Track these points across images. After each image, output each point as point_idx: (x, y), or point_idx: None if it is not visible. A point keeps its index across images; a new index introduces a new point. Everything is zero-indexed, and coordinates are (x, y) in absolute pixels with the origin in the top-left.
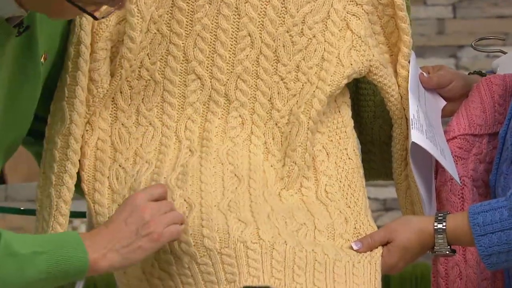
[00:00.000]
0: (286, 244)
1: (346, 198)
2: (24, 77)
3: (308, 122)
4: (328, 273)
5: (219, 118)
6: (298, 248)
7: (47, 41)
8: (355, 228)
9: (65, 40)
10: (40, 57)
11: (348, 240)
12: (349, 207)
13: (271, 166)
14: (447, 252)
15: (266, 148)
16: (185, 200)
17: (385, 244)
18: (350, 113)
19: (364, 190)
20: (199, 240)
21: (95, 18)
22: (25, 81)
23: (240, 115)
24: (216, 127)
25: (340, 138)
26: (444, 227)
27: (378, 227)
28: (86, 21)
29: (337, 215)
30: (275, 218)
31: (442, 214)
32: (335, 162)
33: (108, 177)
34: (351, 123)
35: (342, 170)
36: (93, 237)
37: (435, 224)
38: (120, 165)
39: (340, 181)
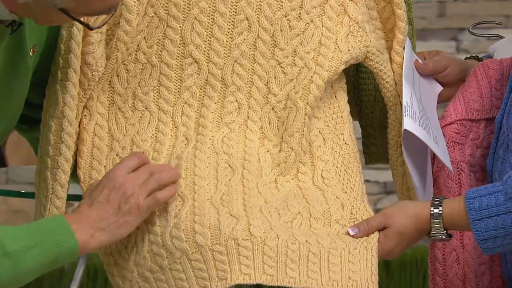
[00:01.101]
0: (278, 238)
1: (343, 184)
2: (14, 74)
3: (306, 108)
4: (323, 263)
5: (215, 103)
6: (291, 241)
7: (36, 34)
8: (351, 213)
9: (54, 28)
10: (29, 52)
11: (345, 225)
12: (346, 192)
13: (268, 151)
14: (444, 237)
15: (263, 133)
16: (178, 195)
17: (381, 229)
18: (346, 98)
19: (360, 176)
20: (191, 236)
21: (90, 29)
22: (15, 77)
23: (236, 100)
24: (212, 112)
25: (336, 123)
26: (440, 212)
27: (378, 210)
28: None
29: (333, 200)
30: (267, 212)
31: (438, 199)
32: (332, 147)
33: (104, 166)
34: (347, 108)
35: (339, 155)
36: (78, 219)
37: (431, 209)
38: (117, 154)
39: (337, 167)
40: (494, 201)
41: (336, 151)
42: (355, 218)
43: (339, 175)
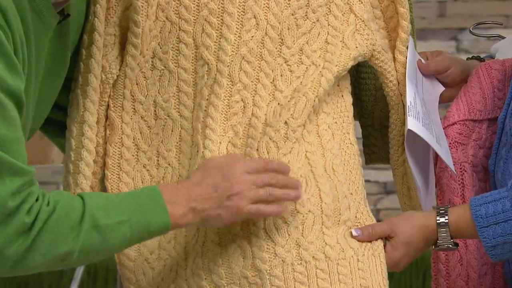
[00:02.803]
0: (284, 262)
1: (349, 184)
2: (53, 67)
3: (315, 100)
4: (333, 276)
5: (221, 100)
6: (297, 262)
7: (73, 34)
8: (356, 217)
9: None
10: (70, 49)
11: (350, 227)
12: (351, 194)
13: (270, 139)
14: (450, 246)
15: (265, 123)
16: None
17: (386, 239)
18: (351, 99)
19: (362, 180)
20: (209, 276)
21: None
22: (54, 71)
23: (242, 99)
24: (219, 112)
25: (343, 122)
26: (447, 221)
27: (378, 210)
28: (100, 9)
29: (342, 199)
30: (270, 228)
31: (443, 208)
32: (340, 144)
33: (133, 179)
34: (351, 109)
35: (345, 153)
36: (177, 192)
37: (437, 218)
38: (144, 166)
39: (344, 164)
40: (501, 207)
41: (343, 149)
42: (359, 222)
43: (346, 174)
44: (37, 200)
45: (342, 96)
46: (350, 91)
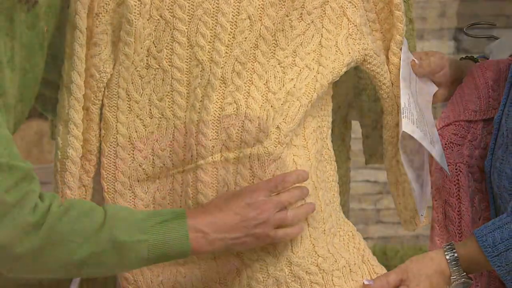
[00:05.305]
0: (277, 281)
1: (327, 191)
2: (30, 52)
3: (308, 106)
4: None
5: (214, 103)
6: (291, 279)
7: (47, 13)
8: (337, 223)
9: (65, 15)
10: (44, 32)
11: (335, 234)
12: (330, 201)
13: (261, 144)
14: (464, 279)
15: (259, 127)
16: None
17: (401, 284)
18: (331, 105)
19: (338, 186)
20: None
21: None
22: (31, 56)
23: (235, 101)
24: (211, 115)
25: (324, 126)
26: (456, 255)
27: (378, 210)
28: (81, 6)
29: (325, 207)
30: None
31: (449, 244)
32: (321, 149)
33: (128, 177)
34: (331, 114)
35: (324, 159)
36: (203, 220)
37: (446, 254)
38: (140, 165)
39: (323, 171)
40: (507, 233)
41: (322, 154)
42: (340, 227)
43: (325, 181)
44: (42, 200)
45: (325, 99)
46: (331, 95)
